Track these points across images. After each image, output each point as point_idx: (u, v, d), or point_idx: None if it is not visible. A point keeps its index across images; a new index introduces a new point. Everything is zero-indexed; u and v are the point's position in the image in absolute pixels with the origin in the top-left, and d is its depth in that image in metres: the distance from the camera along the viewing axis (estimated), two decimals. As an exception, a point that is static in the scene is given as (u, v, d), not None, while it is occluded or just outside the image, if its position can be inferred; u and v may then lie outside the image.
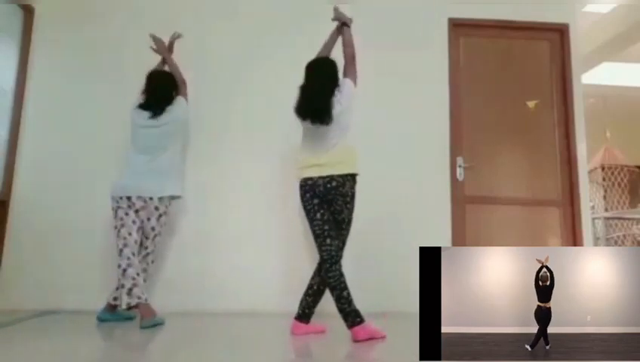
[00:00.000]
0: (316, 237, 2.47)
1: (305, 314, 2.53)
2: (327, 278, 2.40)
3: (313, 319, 2.56)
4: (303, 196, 2.50)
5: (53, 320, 2.84)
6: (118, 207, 2.73)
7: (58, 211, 3.27)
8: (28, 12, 3.43)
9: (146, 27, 3.23)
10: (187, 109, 2.97)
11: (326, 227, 2.45)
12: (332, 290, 2.38)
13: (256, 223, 3.34)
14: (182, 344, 2.31)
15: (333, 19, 2.80)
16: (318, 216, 2.46)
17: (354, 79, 2.61)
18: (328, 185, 2.44)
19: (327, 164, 2.46)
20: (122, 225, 2.71)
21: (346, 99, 2.50)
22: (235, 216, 3.34)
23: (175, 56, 3.12)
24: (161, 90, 2.90)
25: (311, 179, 2.46)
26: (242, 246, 3.30)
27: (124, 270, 2.63)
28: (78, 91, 3.42)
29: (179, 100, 2.93)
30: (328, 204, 2.47)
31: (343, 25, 2.77)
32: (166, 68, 3.09)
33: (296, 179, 2.54)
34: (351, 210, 2.52)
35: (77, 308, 3.05)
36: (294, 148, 3.33)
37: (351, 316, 2.33)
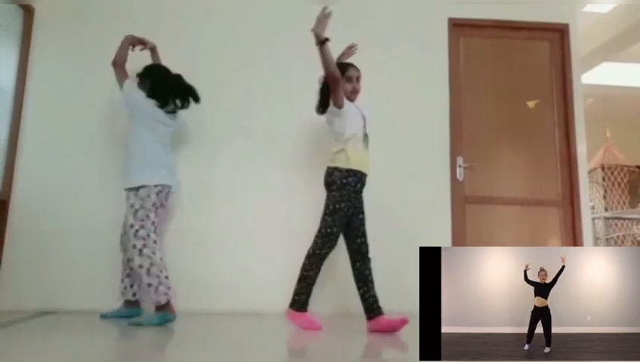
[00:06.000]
0: (362, 232, 2.57)
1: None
2: (369, 270, 2.52)
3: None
4: (359, 191, 2.58)
5: (53, 320, 2.84)
6: (141, 207, 2.74)
7: (58, 211, 3.26)
8: (28, 12, 3.42)
9: (146, 26, 3.23)
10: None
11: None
12: (372, 282, 2.52)
13: (258, 223, 3.33)
14: (182, 344, 2.31)
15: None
16: (363, 211, 2.62)
17: (335, 103, 2.56)
18: (364, 184, 2.64)
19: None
20: (142, 226, 2.70)
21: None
22: (237, 215, 3.33)
23: (174, 55, 3.18)
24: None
25: (365, 175, 2.60)
26: (244, 246, 3.29)
27: (148, 269, 2.65)
28: (78, 91, 3.41)
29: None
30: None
31: (318, 44, 2.45)
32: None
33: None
34: None
35: (77, 308, 3.04)
36: (295, 147, 3.36)
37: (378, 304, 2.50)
